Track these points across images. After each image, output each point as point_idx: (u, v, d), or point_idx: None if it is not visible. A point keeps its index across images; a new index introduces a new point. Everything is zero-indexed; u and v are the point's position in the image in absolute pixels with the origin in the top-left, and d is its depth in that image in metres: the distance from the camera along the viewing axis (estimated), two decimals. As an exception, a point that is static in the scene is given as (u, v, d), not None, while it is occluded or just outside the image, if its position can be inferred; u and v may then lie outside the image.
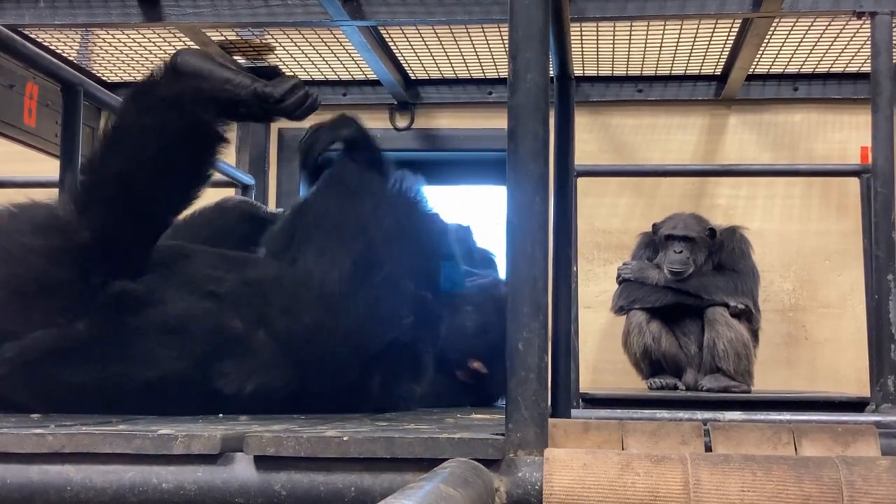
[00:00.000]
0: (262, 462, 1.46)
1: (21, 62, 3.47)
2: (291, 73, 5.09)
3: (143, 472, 1.46)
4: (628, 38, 4.83)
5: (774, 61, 5.14)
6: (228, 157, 5.27)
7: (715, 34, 4.75)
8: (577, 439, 1.62)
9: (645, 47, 4.97)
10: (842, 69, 5.23)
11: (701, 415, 3.23)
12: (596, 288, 5.35)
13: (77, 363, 2.13)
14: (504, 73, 5.13)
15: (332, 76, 5.50)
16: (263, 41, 5.00)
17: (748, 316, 4.75)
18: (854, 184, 4.78)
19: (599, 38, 4.84)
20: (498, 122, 5.15)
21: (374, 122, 5.62)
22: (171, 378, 2.14)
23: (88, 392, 2.13)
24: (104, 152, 2.21)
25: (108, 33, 4.85)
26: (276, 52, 5.15)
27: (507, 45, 1.57)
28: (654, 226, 4.93)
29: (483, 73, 5.40)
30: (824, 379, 5.21)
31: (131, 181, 2.17)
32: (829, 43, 4.85)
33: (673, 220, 4.86)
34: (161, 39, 4.91)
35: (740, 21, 4.50)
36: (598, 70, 5.34)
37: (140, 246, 2.25)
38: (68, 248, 2.17)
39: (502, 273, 2.90)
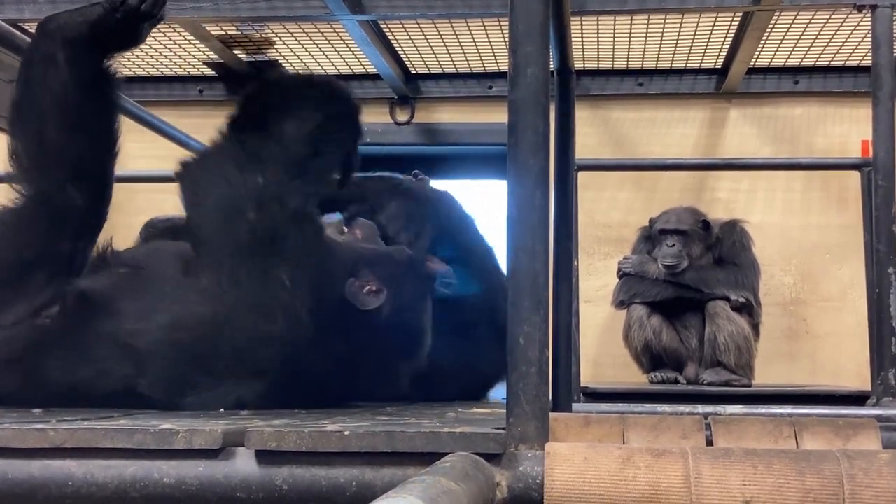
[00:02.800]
0: (264, 457, 1.46)
1: (21, 57, 3.47)
2: (292, 68, 5.08)
3: (144, 466, 1.46)
4: (629, 31, 4.83)
5: (775, 55, 5.14)
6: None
7: (715, 27, 4.75)
8: (577, 433, 1.62)
9: (645, 41, 4.96)
10: (842, 62, 5.23)
11: (702, 408, 3.24)
12: (596, 282, 5.35)
13: (48, 359, 2.16)
14: (504, 67, 5.13)
15: (332, 70, 5.49)
16: (263, 36, 4.99)
17: (749, 310, 4.75)
18: (855, 177, 4.78)
19: (600, 31, 4.83)
20: (498, 116, 5.14)
21: (375, 117, 5.63)
22: (122, 392, 2.14)
23: (62, 391, 2.14)
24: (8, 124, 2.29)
25: (107, 28, 4.84)
26: (276, 46, 5.15)
27: (507, 39, 1.57)
28: (650, 220, 4.93)
29: (483, 67, 5.39)
30: (825, 373, 5.21)
31: (36, 132, 2.24)
32: (830, 36, 4.85)
33: (667, 214, 4.87)
34: (161, 34, 4.90)
35: (741, 14, 4.50)
36: (598, 64, 5.34)
37: (83, 201, 2.26)
38: (22, 224, 2.23)
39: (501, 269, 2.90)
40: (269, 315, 2.15)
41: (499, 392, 2.86)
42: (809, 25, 4.71)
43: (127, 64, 5.36)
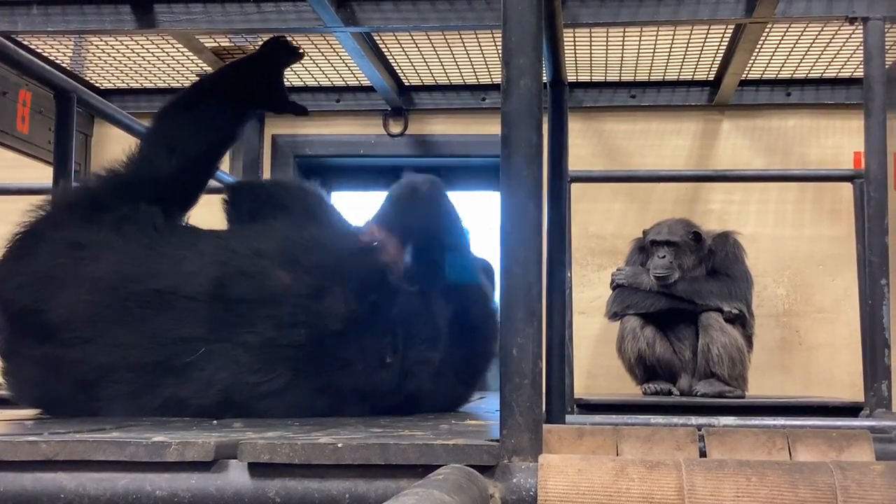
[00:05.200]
0: (257, 469, 1.45)
1: (14, 69, 3.47)
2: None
3: (136, 479, 1.46)
4: (621, 43, 4.84)
5: (767, 67, 5.15)
6: (222, 163, 5.27)
7: (708, 39, 4.76)
8: (571, 445, 1.62)
9: (638, 53, 4.97)
10: (834, 74, 5.25)
11: (695, 420, 3.23)
12: (590, 293, 5.36)
13: (96, 261, 2.38)
14: (497, 79, 5.13)
15: (325, 82, 5.50)
16: (257, 47, 4.99)
17: (742, 321, 4.75)
18: (847, 189, 4.79)
19: (593, 43, 4.84)
20: (491, 127, 5.15)
21: (368, 128, 5.64)
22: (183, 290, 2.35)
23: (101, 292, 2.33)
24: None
25: (101, 40, 4.84)
26: (269, 58, 5.14)
27: (500, 51, 1.57)
28: (643, 232, 4.94)
29: (476, 78, 5.40)
30: (818, 384, 5.22)
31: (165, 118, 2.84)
32: (822, 48, 4.87)
33: (659, 225, 4.87)
34: (154, 46, 4.91)
35: (733, 26, 4.51)
36: (591, 75, 5.35)
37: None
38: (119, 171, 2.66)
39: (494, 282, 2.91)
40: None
41: (492, 403, 2.86)
42: (801, 37, 4.73)
43: (120, 76, 5.37)
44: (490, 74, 5.30)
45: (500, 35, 1.58)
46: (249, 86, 2.92)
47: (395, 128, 5.65)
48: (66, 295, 2.33)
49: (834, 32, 4.63)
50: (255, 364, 2.28)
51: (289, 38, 3.02)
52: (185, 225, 2.69)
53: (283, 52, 2.97)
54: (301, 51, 3.01)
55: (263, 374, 2.28)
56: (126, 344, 2.29)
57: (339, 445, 1.44)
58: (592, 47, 4.90)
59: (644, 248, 4.92)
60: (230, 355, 2.28)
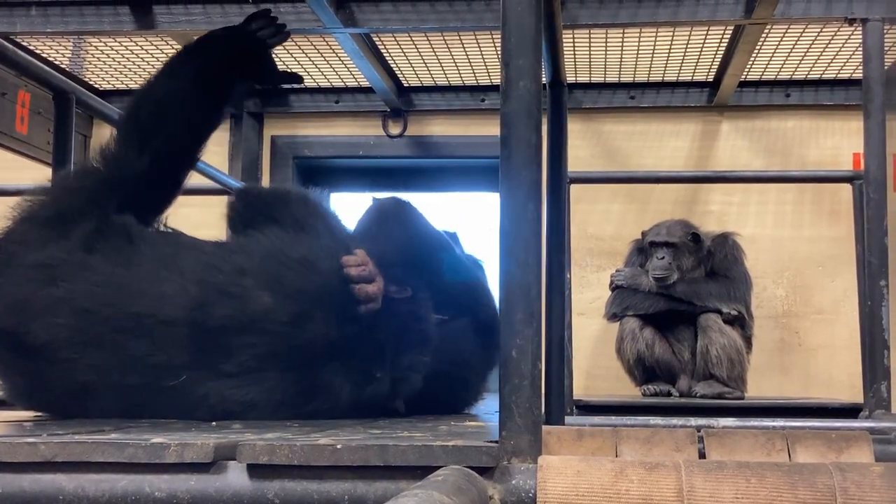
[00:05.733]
0: (255, 470, 1.45)
1: (13, 70, 3.47)
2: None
3: (135, 480, 1.45)
4: (621, 44, 4.84)
5: (766, 68, 5.15)
6: (221, 164, 5.28)
7: (707, 41, 4.76)
8: (570, 446, 1.62)
9: (637, 54, 4.98)
10: (833, 75, 5.25)
11: (695, 421, 3.22)
12: (589, 294, 5.35)
13: (70, 282, 2.28)
14: (497, 80, 5.14)
15: (324, 83, 5.50)
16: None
17: (741, 322, 4.75)
18: (846, 190, 4.79)
19: (592, 44, 4.84)
20: (491, 128, 5.14)
21: (367, 130, 5.63)
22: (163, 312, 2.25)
23: (78, 313, 2.25)
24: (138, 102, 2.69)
25: (100, 41, 4.84)
26: (268, 59, 5.14)
27: (499, 52, 1.57)
28: (642, 233, 4.94)
29: (476, 80, 5.40)
30: (818, 385, 5.22)
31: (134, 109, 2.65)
32: (821, 49, 4.87)
33: (658, 227, 4.87)
34: (153, 47, 4.91)
35: (732, 27, 4.51)
36: (590, 77, 5.35)
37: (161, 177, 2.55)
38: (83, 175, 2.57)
39: (492, 280, 2.91)
40: None
41: (491, 404, 2.86)
42: (801, 38, 4.73)
43: (119, 77, 5.37)
44: (489, 75, 5.30)
45: (499, 36, 1.58)
46: (235, 55, 2.69)
47: (395, 129, 5.65)
48: (44, 319, 2.26)
49: (833, 33, 4.63)
50: (239, 390, 2.24)
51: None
52: (164, 232, 2.55)
53: (269, 22, 2.71)
54: (287, 29, 2.77)
55: (248, 403, 2.24)
56: (108, 367, 2.24)
57: (339, 447, 1.44)
58: (591, 48, 4.90)
59: (643, 249, 4.92)
60: (213, 382, 2.24)
